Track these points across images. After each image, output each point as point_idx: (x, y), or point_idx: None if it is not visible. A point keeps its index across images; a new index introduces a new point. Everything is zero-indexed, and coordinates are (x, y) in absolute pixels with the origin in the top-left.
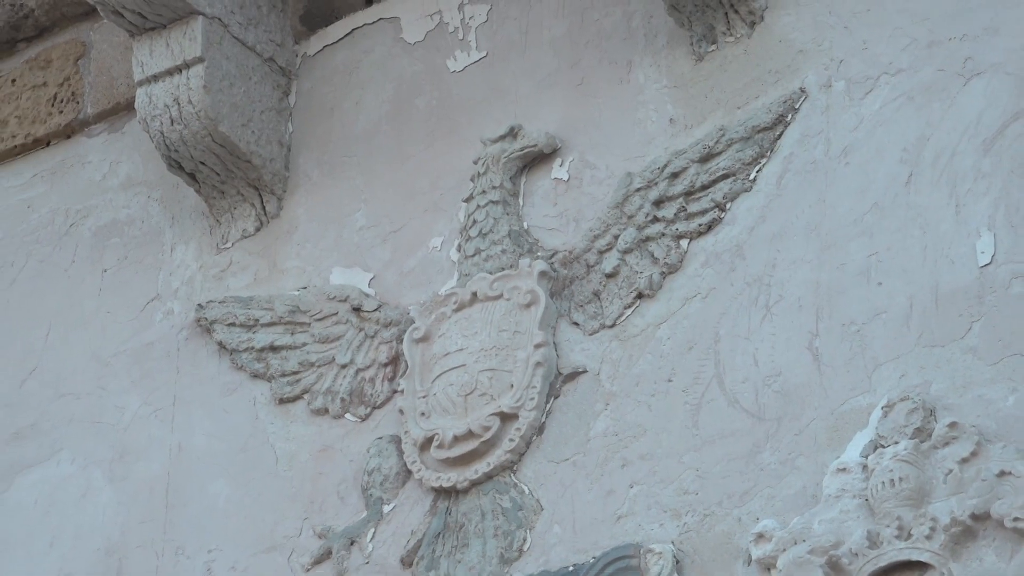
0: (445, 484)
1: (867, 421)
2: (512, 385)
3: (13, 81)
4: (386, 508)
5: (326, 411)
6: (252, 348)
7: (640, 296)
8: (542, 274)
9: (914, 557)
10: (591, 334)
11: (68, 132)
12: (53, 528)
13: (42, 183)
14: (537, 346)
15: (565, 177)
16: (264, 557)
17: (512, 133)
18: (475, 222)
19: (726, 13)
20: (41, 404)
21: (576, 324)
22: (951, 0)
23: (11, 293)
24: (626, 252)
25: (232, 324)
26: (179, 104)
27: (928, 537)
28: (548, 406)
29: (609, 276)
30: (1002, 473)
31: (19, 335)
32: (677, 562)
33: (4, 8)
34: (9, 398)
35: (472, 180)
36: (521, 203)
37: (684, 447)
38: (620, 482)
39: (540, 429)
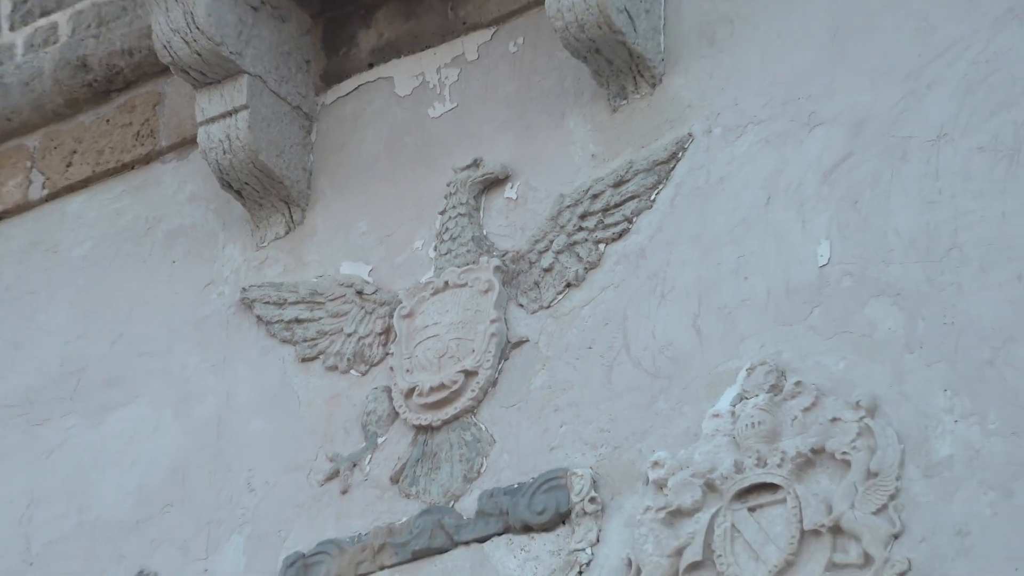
0: (423, 423)
1: (735, 380)
2: (473, 350)
3: (107, 121)
4: (380, 440)
5: (336, 368)
6: (282, 320)
7: (568, 286)
8: (496, 268)
9: (768, 480)
10: (532, 313)
11: (147, 159)
12: (134, 452)
13: (128, 197)
14: (492, 321)
15: (514, 197)
16: (289, 475)
17: (475, 164)
18: (447, 229)
19: (634, 77)
20: (125, 361)
21: (521, 306)
22: (800, 68)
23: (105, 278)
24: (559, 253)
25: (267, 303)
26: (229, 140)
27: (779, 465)
28: (500, 366)
29: (546, 270)
30: (833, 419)
31: (110, 309)
32: (594, 482)
33: (102, 67)
34: (103, 357)
35: (445, 198)
36: (481, 216)
37: (600, 397)
38: (552, 423)
39: (494, 383)
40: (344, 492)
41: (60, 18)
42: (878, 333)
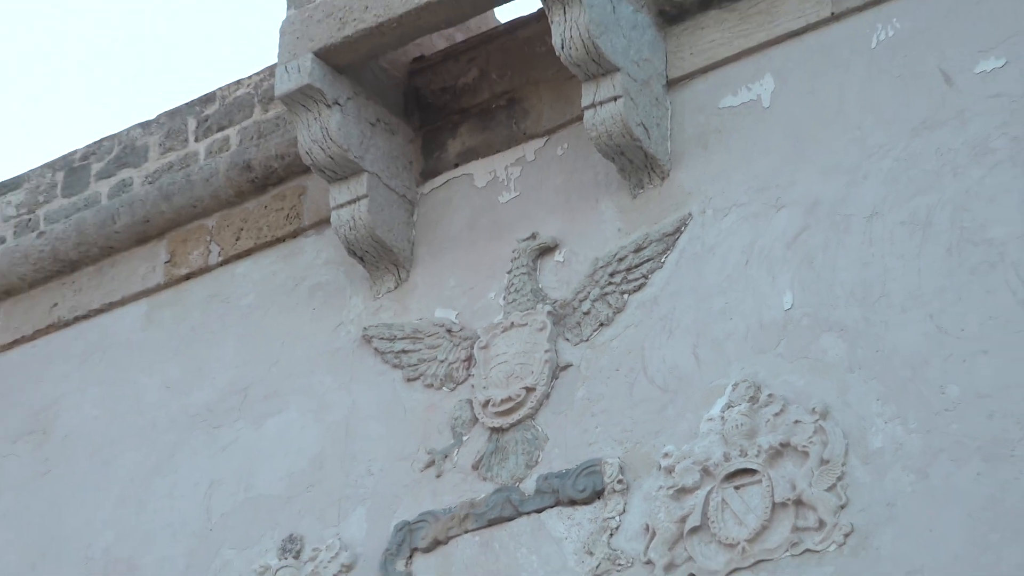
0: (496, 425)
1: (724, 393)
2: (532, 372)
3: (265, 207)
4: (464, 438)
5: (432, 386)
6: (392, 351)
7: (602, 325)
8: (549, 313)
9: (748, 466)
10: (575, 345)
11: (294, 235)
12: (285, 447)
13: (280, 262)
14: (546, 351)
15: (562, 260)
16: (398, 463)
17: (532, 236)
18: (512, 284)
19: (648, 172)
20: (279, 381)
21: (567, 340)
22: (769, 165)
23: (263, 321)
24: (595, 301)
25: (382, 338)
26: (354, 220)
27: (756, 455)
28: (552, 384)
29: (585, 314)
30: (796, 421)
31: (267, 343)
32: (621, 468)
33: (262, 168)
34: (262, 378)
35: (511, 261)
36: (537, 274)
37: (624, 406)
38: (590, 425)
39: (547, 396)
40: (438, 476)
41: (231, 132)
42: (828, 358)
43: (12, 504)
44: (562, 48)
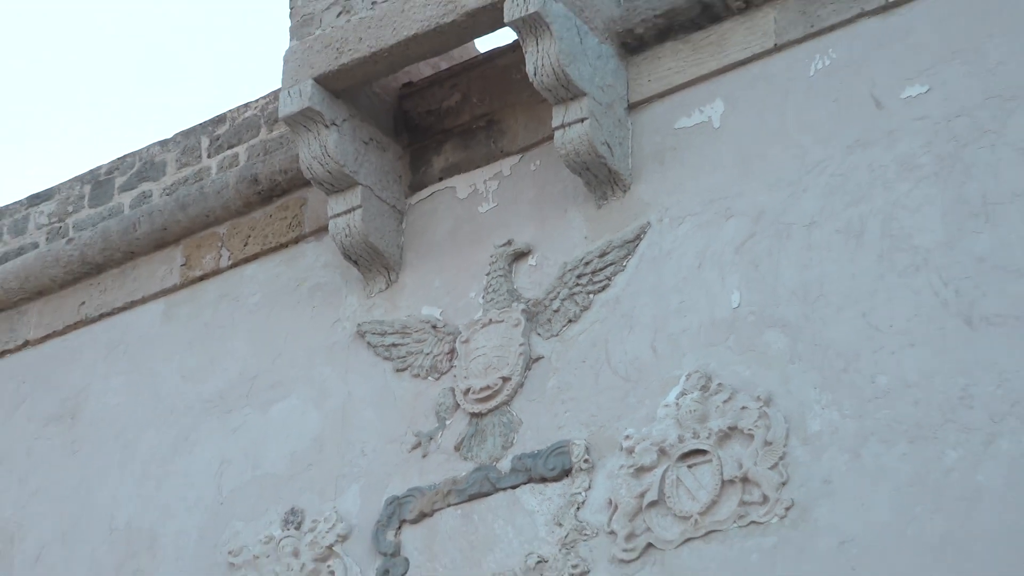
0: (475, 411)
1: (679, 382)
2: (508, 364)
3: (270, 216)
4: (447, 423)
5: (418, 376)
6: (383, 345)
7: (570, 321)
8: (523, 310)
9: (700, 447)
10: (546, 339)
11: (296, 241)
12: (288, 431)
13: (284, 265)
14: (520, 345)
15: (534, 264)
16: (388, 445)
17: (508, 243)
18: (490, 285)
19: (612, 185)
20: (282, 371)
21: (539, 334)
22: (719, 179)
23: (268, 318)
24: (563, 300)
25: (374, 333)
26: (350, 227)
27: (707, 437)
28: (525, 374)
29: (555, 311)
30: (743, 407)
31: (272, 338)
32: (587, 449)
33: (267, 181)
34: (268, 369)
35: (489, 265)
36: (513, 276)
37: (590, 393)
38: (560, 411)
39: (521, 385)
40: (424, 456)
41: (240, 149)
42: (771, 351)
43: (44, 481)
44: (535, 75)
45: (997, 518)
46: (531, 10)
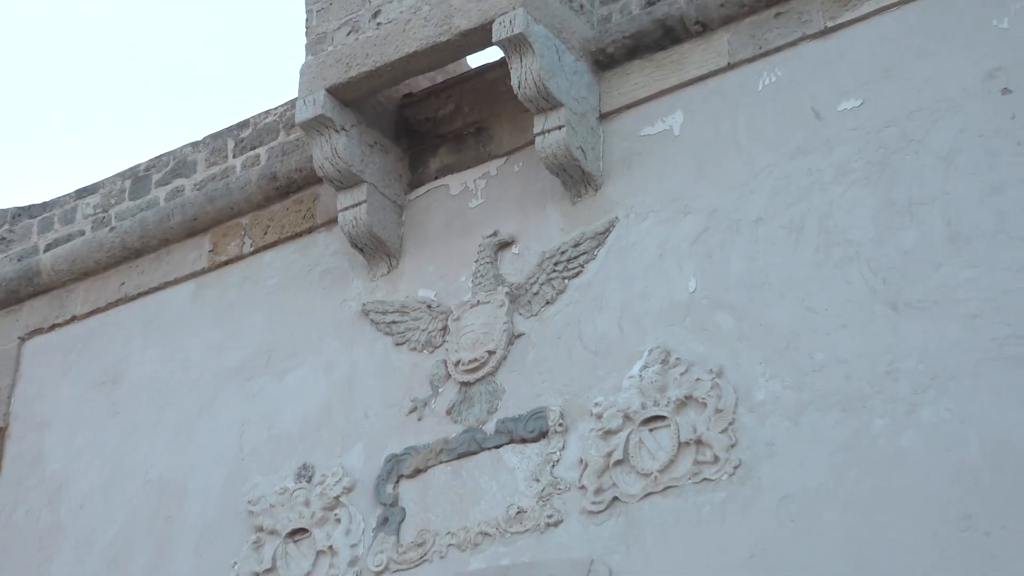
0: (464, 380)
1: (642, 357)
2: (493, 339)
3: (287, 209)
4: (440, 390)
5: (415, 349)
6: (384, 322)
7: (548, 303)
8: (507, 293)
9: (660, 413)
10: (527, 319)
11: (309, 231)
12: (301, 397)
13: (298, 252)
14: (504, 323)
15: (517, 252)
16: (389, 409)
17: (494, 234)
18: (479, 271)
19: (585, 185)
20: (296, 344)
21: (521, 314)
22: (678, 181)
23: (284, 298)
24: (542, 284)
25: (377, 312)
26: (356, 220)
27: (666, 405)
28: (508, 349)
29: (535, 294)
30: (697, 379)
31: (288, 316)
32: (562, 414)
33: (285, 179)
34: (283, 342)
35: (478, 253)
36: (498, 263)
37: (565, 366)
38: (538, 381)
39: (505, 358)
40: (419, 419)
41: (261, 151)
42: (722, 331)
43: (88, 438)
44: (519, 88)
45: (918, 478)
46: (516, 31)
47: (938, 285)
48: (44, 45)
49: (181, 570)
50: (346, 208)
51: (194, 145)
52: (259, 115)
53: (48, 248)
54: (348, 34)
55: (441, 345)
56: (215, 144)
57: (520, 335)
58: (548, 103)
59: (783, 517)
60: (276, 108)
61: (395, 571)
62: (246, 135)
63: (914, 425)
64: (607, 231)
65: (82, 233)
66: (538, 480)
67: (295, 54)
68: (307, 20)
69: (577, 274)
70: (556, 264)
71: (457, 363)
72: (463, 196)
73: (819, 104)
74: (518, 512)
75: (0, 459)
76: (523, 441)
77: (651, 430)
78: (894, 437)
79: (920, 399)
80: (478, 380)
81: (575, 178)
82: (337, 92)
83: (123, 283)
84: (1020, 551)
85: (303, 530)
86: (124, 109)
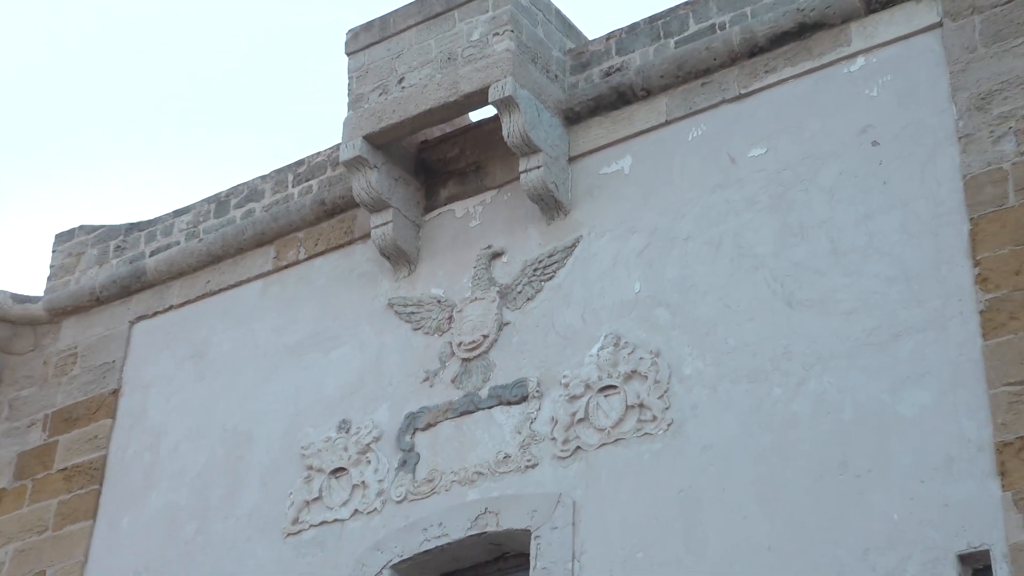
0: (465, 357)
1: (599, 341)
2: (487, 326)
3: (332, 226)
4: (446, 364)
5: (429, 333)
6: (405, 313)
7: (528, 300)
8: (497, 292)
9: (612, 383)
10: (513, 311)
11: (350, 243)
12: (341, 369)
13: (342, 260)
14: (495, 315)
15: (506, 261)
16: (407, 378)
17: (489, 247)
18: (476, 275)
19: (557, 211)
20: (339, 329)
21: (508, 308)
22: (629, 208)
23: (329, 292)
24: (524, 285)
25: (400, 305)
26: (384, 235)
27: (617, 377)
28: (499, 334)
29: (518, 293)
30: (640, 358)
31: (331, 307)
32: (538, 384)
33: (331, 203)
34: (326, 328)
35: (476, 261)
36: (491, 269)
37: (541, 347)
38: (519, 358)
39: (495, 341)
40: (431, 386)
41: (314, 182)
42: (660, 322)
43: (180, 398)
44: (508, 137)
45: (806, 434)
46: (506, 94)
47: (822, 288)
48: (146, 96)
49: (249, 498)
50: (377, 226)
51: (262, 177)
52: (312, 155)
53: (152, 254)
54: (380, 95)
55: (448, 330)
56: (278, 177)
57: (507, 323)
58: (530, 148)
59: (704, 463)
60: (325, 150)
61: (411, 501)
62: (302, 170)
63: (803, 394)
64: (574, 246)
65: (178, 243)
66: (520, 433)
67: (340, 109)
68: (349, 84)
69: (551, 278)
70: (535, 270)
71: (459, 344)
72: (465, 218)
73: (734, 151)
74: (505, 457)
75: (115, 413)
76: (509, 403)
77: (605, 396)
78: (788, 403)
79: (808, 374)
80: (475, 357)
81: (550, 205)
82: (371, 139)
83: (208, 281)
84: (882, 489)
85: (342, 469)
86: (212, 148)
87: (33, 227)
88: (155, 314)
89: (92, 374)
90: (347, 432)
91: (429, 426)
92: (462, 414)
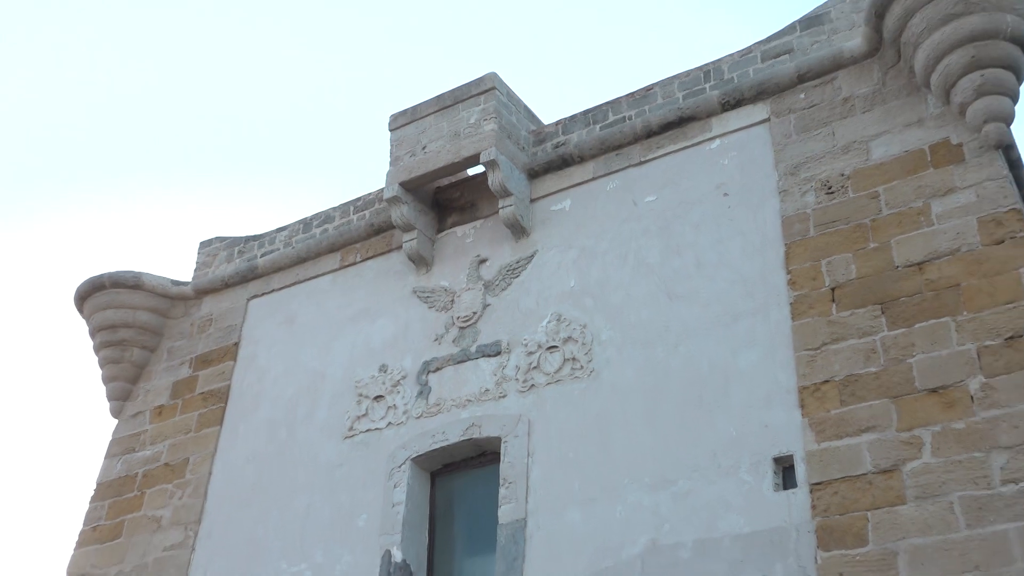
0: (462, 326)
1: (547, 316)
2: (476, 306)
3: (378, 241)
4: (449, 330)
5: (438, 311)
6: (423, 297)
7: (503, 290)
8: (483, 284)
9: (553, 344)
10: (492, 297)
11: (388, 251)
12: (380, 332)
13: (384, 262)
14: (482, 299)
15: (489, 265)
16: (423, 339)
17: (478, 255)
18: (469, 273)
19: (522, 233)
20: (380, 308)
21: (489, 295)
22: (569, 232)
23: (375, 285)
24: (500, 280)
25: (420, 292)
26: (412, 247)
27: (559, 340)
28: (483, 311)
29: (496, 285)
30: (574, 328)
31: (376, 294)
32: (508, 344)
33: (378, 225)
34: (373, 306)
35: (469, 265)
36: (479, 270)
37: (511, 321)
38: (498, 327)
39: (481, 316)
40: (439, 344)
41: (367, 212)
42: (588, 306)
43: (276, 352)
44: (492, 185)
45: (678, 381)
46: (491, 158)
47: (690, 286)
48: (262, 145)
49: (323, 413)
50: (407, 241)
51: (334, 208)
52: (366, 194)
53: (262, 256)
54: (410, 156)
55: (451, 309)
56: (343, 208)
57: (488, 305)
58: (506, 193)
59: (615, 398)
60: (375, 191)
61: (426, 417)
62: (359, 203)
63: (677, 355)
64: (532, 256)
65: (279, 249)
66: (495, 375)
67: (384, 164)
68: (390, 149)
69: (517, 276)
70: (508, 272)
71: (458, 317)
72: (463, 237)
73: (636, 198)
74: (485, 391)
75: (236, 357)
76: (489, 356)
77: (550, 352)
78: (667, 360)
79: (679, 341)
80: (468, 326)
81: (518, 230)
82: (404, 185)
83: (297, 274)
84: (725, 415)
85: (381, 396)
86: (304, 185)
87: (181, 234)
88: (263, 294)
89: (221, 332)
90: (385, 372)
91: (438, 369)
92: (459, 362)
